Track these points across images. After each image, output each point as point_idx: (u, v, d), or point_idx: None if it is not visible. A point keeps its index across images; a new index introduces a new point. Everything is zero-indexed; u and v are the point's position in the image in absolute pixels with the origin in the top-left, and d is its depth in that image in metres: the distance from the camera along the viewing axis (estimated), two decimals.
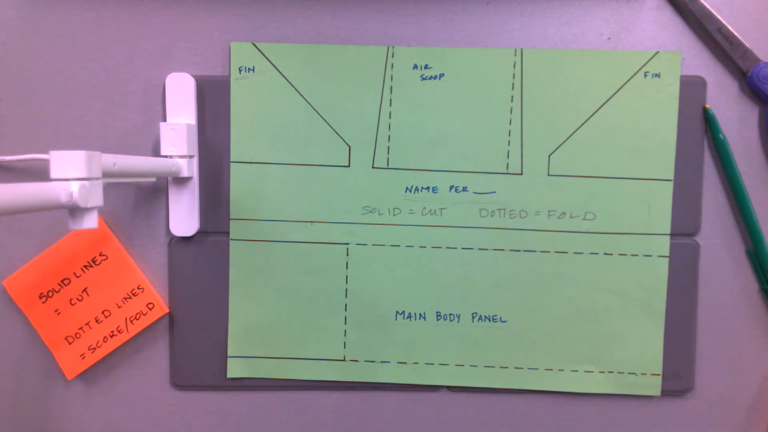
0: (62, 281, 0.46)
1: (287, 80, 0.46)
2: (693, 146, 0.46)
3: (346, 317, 0.47)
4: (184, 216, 0.46)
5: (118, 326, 0.46)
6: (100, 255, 0.46)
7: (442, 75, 0.46)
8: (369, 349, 0.47)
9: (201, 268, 0.47)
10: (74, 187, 0.32)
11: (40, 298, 0.46)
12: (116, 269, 0.46)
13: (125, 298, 0.46)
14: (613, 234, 0.46)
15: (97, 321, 0.47)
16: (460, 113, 0.46)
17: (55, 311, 0.47)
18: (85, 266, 0.46)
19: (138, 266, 0.47)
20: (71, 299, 0.47)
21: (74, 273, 0.46)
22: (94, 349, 0.47)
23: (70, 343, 0.47)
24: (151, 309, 0.46)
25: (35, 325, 0.47)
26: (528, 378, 0.47)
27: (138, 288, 0.46)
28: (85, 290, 0.47)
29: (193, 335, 0.47)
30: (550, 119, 0.46)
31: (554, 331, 0.47)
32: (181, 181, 0.46)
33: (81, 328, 0.47)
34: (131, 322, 0.46)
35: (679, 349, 0.47)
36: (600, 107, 0.46)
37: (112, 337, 0.47)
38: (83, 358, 0.47)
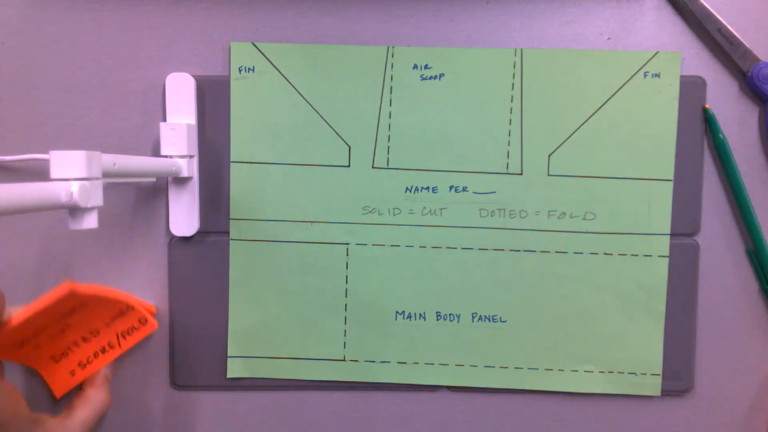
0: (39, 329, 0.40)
1: (287, 80, 0.46)
2: (693, 146, 0.46)
3: (346, 317, 0.47)
4: (184, 216, 0.46)
5: (109, 341, 0.43)
6: (80, 304, 0.40)
7: (442, 75, 0.46)
8: (369, 349, 0.47)
9: (201, 268, 0.47)
10: (74, 187, 0.32)
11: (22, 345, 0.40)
12: (97, 307, 0.41)
13: (114, 317, 0.43)
14: (613, 234, 0.46)
15: (84, 339, 0.43)
16: (460, 113, 0.46)
17: (35, 347, 0.41)
18: (64, 315, 0.40)
19: (121, 291, 0.42)
20: (51, 334, 0.41)
21: (52, 322, 0.40)
22: (85, 365, 0.43)
23: (57, 362, 0.43)
24: (143, 324, 0.43)
25: (18, 361, 0.41)
26: (528, 378, 0.47)
27: (126, 308, 0.43)
28: (66, 325, 0.41)
29: (193, 335, 0.47)
30: (550, 119, 0.46)
31: (554, 331, 0.47)
32: (181, 181, 0.46)
33: (68, 347, 0.43)
34: (123, 337, 0.43)
35: (679, 349, 0.47)
36: (600, 107, 0.46)
37: (103, 352, 0.43)
38: (73, 375, 0.43)
